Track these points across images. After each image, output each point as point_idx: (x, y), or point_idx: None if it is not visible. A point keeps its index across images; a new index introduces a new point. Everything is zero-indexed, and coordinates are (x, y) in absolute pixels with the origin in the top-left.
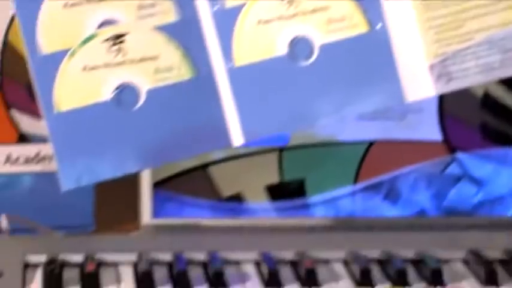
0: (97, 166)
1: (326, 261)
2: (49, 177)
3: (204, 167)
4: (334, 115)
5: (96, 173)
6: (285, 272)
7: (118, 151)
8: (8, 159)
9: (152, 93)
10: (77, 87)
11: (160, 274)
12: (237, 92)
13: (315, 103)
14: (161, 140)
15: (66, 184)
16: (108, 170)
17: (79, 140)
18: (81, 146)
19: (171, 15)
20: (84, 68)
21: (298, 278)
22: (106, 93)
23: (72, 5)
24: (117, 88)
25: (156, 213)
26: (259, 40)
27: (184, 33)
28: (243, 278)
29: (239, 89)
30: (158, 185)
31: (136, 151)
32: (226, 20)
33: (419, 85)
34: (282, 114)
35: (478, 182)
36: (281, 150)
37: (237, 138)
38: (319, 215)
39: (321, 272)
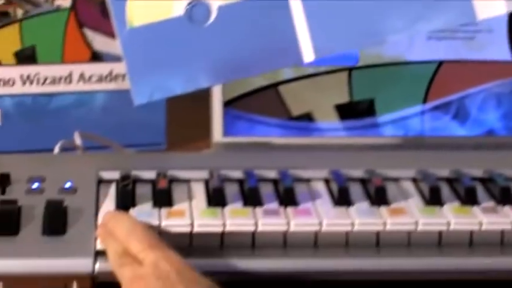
0: (169, 81)
1: (395, 180)
2: (122, 96)
3: (275, 86)
4: (404, 32)
5: (168, 88)
6: (355, 190)
7: (189, 67)
8: (81, 78)
9: (223, 10)
10: (149, 3)
11: (231, 190)
12: (308, 8)
13: (386, 19)
14: (232, 56)
15: (139, 99)
16: (180, 85)
17: (151, 55)
18: (153, 62)
19: None
20: None
21: (368, 196)
22: (178, 9)
23: None
24: (189, 4)
25: (227, 131)
26: None
27: None
28: (313, 196)
29: (310, 6)
30: (229, 104)
31: (207, 67)
32: None
33: (491, 3)
34: (352, 31)
35: None
36: (351, 70)
37: (308, 55)
38: (389, 134)
39: (391, 189)
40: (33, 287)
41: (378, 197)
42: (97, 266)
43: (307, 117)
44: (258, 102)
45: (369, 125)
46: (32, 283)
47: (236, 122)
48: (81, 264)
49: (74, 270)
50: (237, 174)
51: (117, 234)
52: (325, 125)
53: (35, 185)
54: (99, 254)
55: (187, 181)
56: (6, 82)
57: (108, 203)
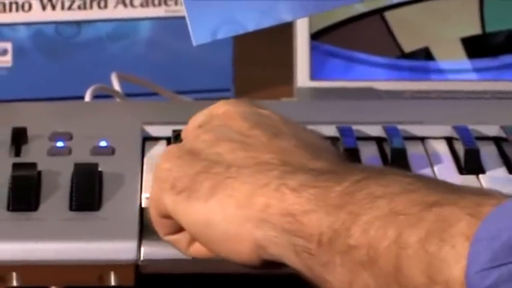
0: (239, 15)
1: None
2: (174, 25)
3: (380, 12)
4: None
5: (237, 24)
6: (486, 152)
7: None
8: (120, 1)
9: None
10: None
11: None
12: None
13: None
14: None
15: (199, 37)
16: (253, 20)
17: None
18: None
19: None
20: None
21: (505, 161)
22: None
23: None
24: None
25: (315, 73)
26: None
27: None
28: (432, 160)
29: None
30: (318, 37)
31: None
32: None
33: None
34: None
35: None
36: None
37: None
38: None
39: None
40: (56, 279)
41: None
42: (142, 251)
43: (424, 54)
44: (358, 34)
45: (507, 65)
46: (54, 274)
47: (327, 61)
48: (121, 250)
49: (111, 258)
50: (329, 130)
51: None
52: (448, 65)
53: (60, 144)
54: (146, 236)
55: None
56: (21, 6)
57: None
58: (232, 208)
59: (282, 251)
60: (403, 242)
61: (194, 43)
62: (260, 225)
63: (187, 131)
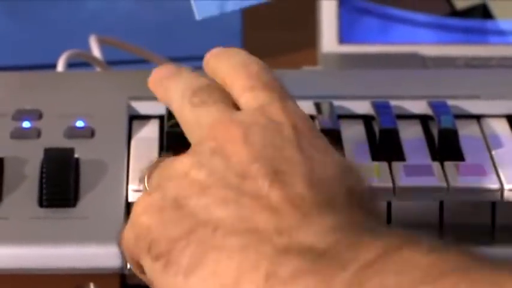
0: None
1: None
2: None
3: None
4: None
5: None
6: None
7: None
8: None
9: None
10: None
11: (352, 134)
12: None
13: None
14: None
15: (203, 9)
16: None
17: None
18: None
19: None
20: None
21: None
22: None
23: None
24: None
25: (344, 36)
26: None
27: None
28: (490, 144)
29: None
30: None
31: None
32: None
33: None
34: None
35: None
36: None
37: None
38: None
39: None
40: None
41: None
42: None
43: (481, 11)
44: None
45: None
46: (20, 286)
47: (359, 20)
48: (102, 255)
49: (91, 265)
50: (362, 107)
51: (219, 68)
52: (510, 26)
53: (26, 124)
54: None
55: None
56: None
57: (146, 153)
58: None
59: None
60: None
61: (197, 16)
62: None
63: (177, 167)
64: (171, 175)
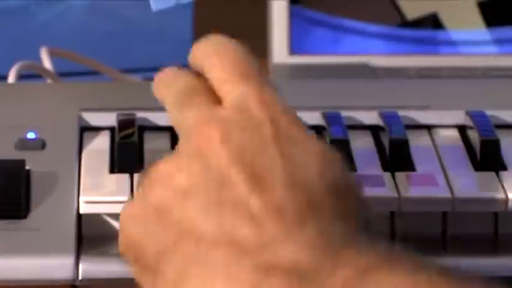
0: None
1: None
2: None
3: None
4: None
5: None
6: (507, 142)
7: None
8: None
9: None
10: None
11: None
12: None
13: None
14: None
15: (158, 1)
16: None
17: None
18: None
19: None
20: None
21: None
22: None
23: None
24: None
25: (295, 47)
26: None
27: None
28: (441, 154)
29: None
30: (299, 2)
31: None
32: None
33: None
34: None
35: None
36: None
37: None
38: None
39: None
40: None
41: None
42: (81, 269)
43: (431, 22)
44: None
45: None
46: None
47: (311, 32)
48: (54, 267)
49: (42, 277)
50: (313, 117)
51: (197, 57)
52: (461, 36)
53: None
54: (85, 250)
55: None
56: None
57: (98, 165)
58: None
59: None
60: None
61: (154, 7)
62: None
63: (159, 172)
64: (153, 180)
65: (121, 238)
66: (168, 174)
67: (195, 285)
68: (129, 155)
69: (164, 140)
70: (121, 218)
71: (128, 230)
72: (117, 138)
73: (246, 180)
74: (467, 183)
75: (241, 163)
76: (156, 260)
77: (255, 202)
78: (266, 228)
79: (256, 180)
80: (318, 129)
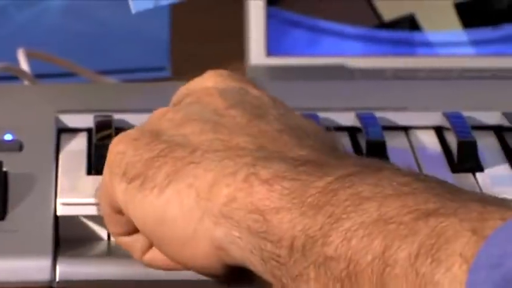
0: None
1: None
2: None
3: None
4: None
5: None
6: (487, 146)
7: None
8: None
9: None
10: None
11: None
12: None
13: None
14: None
15: (138, 3)
16: None
17: None
18: None
19: None
20: None
21: (508, 157)
22: None
23: None
24: None
25: (272, 48)
26: None
27: None
28: (418, 155)
29: None
30: (276, 4)
31: None
32: None
33: None
34: None
35: None
36: None
37: None
38: None
39: None
40: None
41: None
42: (58, 271)
43: (408, 23)
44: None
45: (510, 37)
46: None
47: (288, 33)
48: (31, 269)
49: (19, 279)
50: None
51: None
52: (438, 37)
53: None
54: (62, 251)
55: None
56: None
57: (75, 167)
58: (191, 200)
59: (246, 255)
60: (391, 258)
61: (133, 9)
62: (220, 221)
63: (155, 113)
64: (150, 118)
65: (109, 157)
66: (166, 112)
67: (185, 183)
68: (106, 156)
69: None
70: (112, 141)
71: (118, 147)
72: (94, 140)
73: (245, 114)
74: None
75: (241, 107)
76: (146, 167)
77: (254, 127)
78: (267, 141)
79: (258, 116)
80: None
